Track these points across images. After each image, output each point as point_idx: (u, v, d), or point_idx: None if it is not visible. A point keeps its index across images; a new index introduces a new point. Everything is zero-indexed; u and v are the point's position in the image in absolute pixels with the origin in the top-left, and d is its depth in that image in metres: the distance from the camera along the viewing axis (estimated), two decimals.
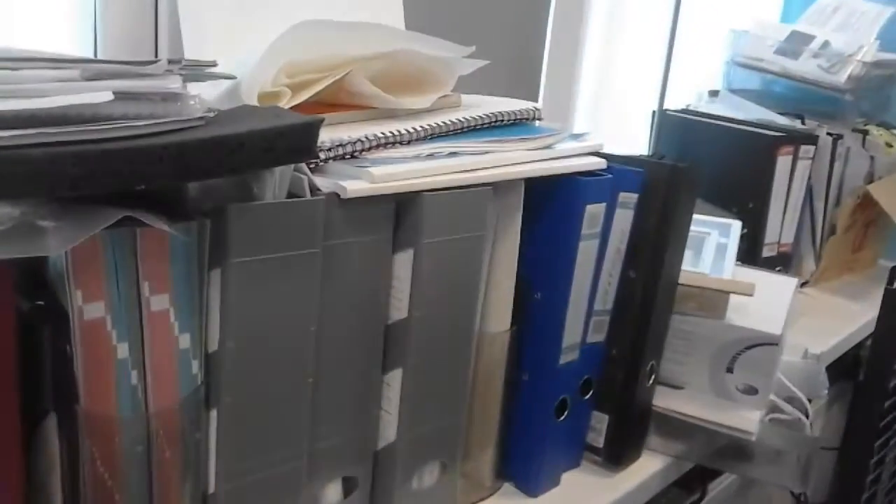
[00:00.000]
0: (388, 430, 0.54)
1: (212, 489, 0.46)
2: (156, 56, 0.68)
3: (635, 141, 1.30)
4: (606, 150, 0.64)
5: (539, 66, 1.04)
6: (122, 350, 0.41)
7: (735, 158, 1.14)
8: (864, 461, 0.59)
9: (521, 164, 0.57)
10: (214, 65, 0.51)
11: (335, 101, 0.58)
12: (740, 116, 1.23)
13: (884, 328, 0.57)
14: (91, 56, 0.65)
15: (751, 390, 0.73)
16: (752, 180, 1.12)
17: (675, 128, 1.23)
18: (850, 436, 0.60)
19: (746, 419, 0.71)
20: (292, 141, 0.40)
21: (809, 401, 0.81)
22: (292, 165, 0.44)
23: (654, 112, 1.25)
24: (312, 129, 0.40)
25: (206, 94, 0.55)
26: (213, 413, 0.45)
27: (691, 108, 1.31)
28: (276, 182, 0.44)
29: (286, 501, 0.49)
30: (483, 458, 0.63)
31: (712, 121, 1.20)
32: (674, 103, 1.29)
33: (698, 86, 1.40)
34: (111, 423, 0.42)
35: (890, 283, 0.57)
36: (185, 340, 0.43)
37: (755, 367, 0.72)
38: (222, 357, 0.44)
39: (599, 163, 0.61)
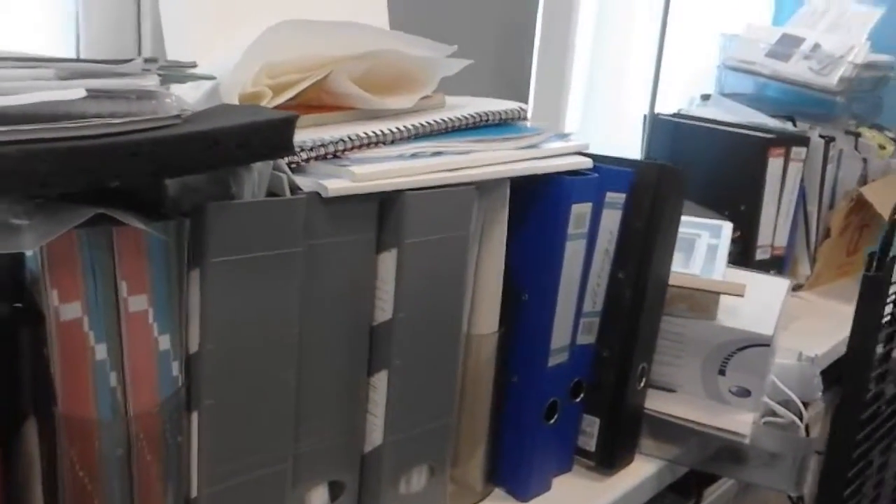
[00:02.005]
0: (375, 434, 0.54)
1: (194, 493, 0.46)
2: None
3: (628, 146, 1.30)
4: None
5: (528, 71, 1.04)
6: (101, 351, 0.41)
7: (726, 161, 1.13)
8: (848, 458, 0.58)
9: (505, 164, 0.56)
10: (194, 65, 0.50)
11: (319, 102, 0.58)
12: (732, 119, 1.23)
13: (863, 316, 0.57)
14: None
15: (744, 392, 0.73)
16: (744, 182, 1.12)
17: (666, 132, 1.23)
18: (836, 426, 0.60)
19: (739, 422, 0.70)
20: (268, 137, 0.39)
21: (805, 404, 0.81)
22: (271, 164, 0.44)
23: (645, 116, 1.25)
24: (288, 126, 0.40)
25: (187, 96, 0.55)
26: (195, 416, 0.45)
27: (683, 112, 1.31)
28: (255, 181, 0.43)
29: None
30: (473, 463, 0.62)
31: (703, 124, 1.19)
32: (667, 108, 1.29)
33: (691, 90, 1.40)
34: (90, 425, 0.41)
35: (868, 268, 0.56)
36: (164, 342, 0.43)
37: (747, 368, 0.72)
38: (202, 359, 0.43)
39: (585, 162, 0.61)
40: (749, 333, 0.71)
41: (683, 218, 0.89)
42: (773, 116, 1.28)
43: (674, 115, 1.26)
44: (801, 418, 0.78)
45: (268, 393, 0.46)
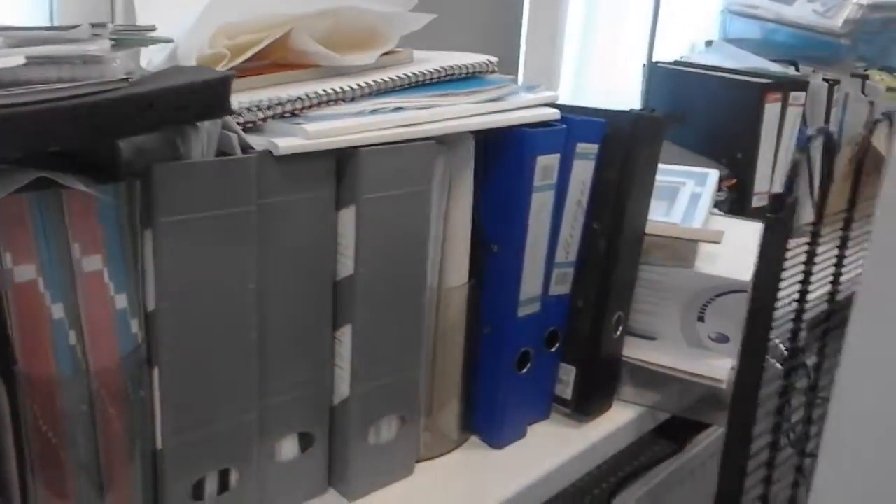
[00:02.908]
0: (342, 386, 0.55)
1: (159, 445, 0.47)
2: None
3: (627, 96, 1.29)
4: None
5: (519, 21, 1.03)
6: (58, 311, 0.42)
7: (724, 108, 1.13)
8: (751, 404, 0.59)
9: (468, 118, 0.57)
10: (153, 29, 0.51)
11: (282, 61, 0.58)
12: (733, 66, 1.21)
13: (764, 259, 0.57)
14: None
15: (723, 338, 0.73)
16: (740, 129, 1.11)
17: (666, 80, 1.22)
18: (739, 373, 0.60)
19: (717, 367, 0.71)
20: (204, 97, 0.40)
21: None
22: (219, 124, 0.45)
23: (644, 65, 1.24)
24: (224, 85, 0.40)
25: (153, 59, 0.56)
26: (156, 371, 0.46)
27: (684, 59, 1.29)
28: (203, 141, 0.44)
29: (237, 456, 0.50)
30: (447, 412, 0.63)
31: (702, 71, 1.18)
32: (671, 56, 1.28)
33: (696, 37, 1.38)
34: (51, 383, 0.43)
35: (771, 210, 0.56)
36: (121, 300, 0.44)
37: (726, 315, 0.72)
38: (159, 316, 0.45)
39: (552, 113, 0.61)
40: (726, 280, 0.71)
41: (669, 166, 0.89)
42: (777, 61, 1.26)
43: (673, 63, 1.25)
44: (782, 364, 0.78)
45: (228, 348, 0.48)
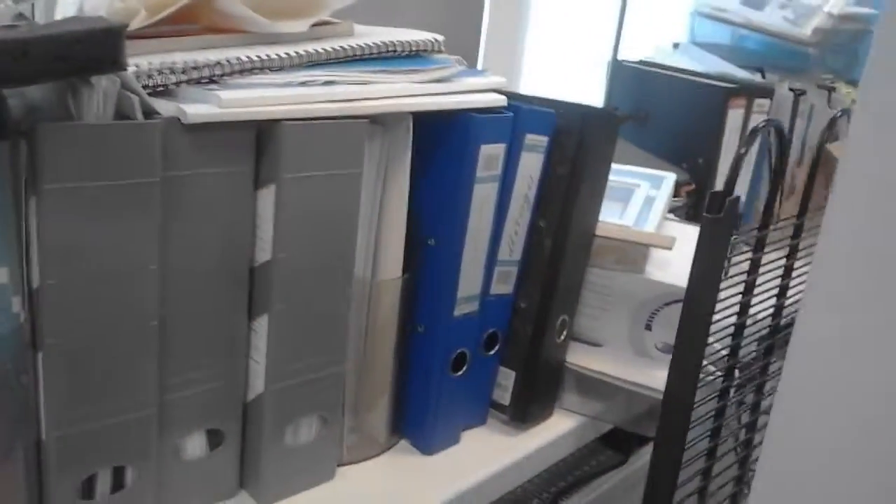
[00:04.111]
0: (257, 381, 0.51)
1: (43, 436, 0.43)
2: None
3: (591, 94, 1.26)
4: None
5: (479, 16, 0.99)
6: None
7: (687, 112, 1.10)
8: (684, 420, 0.56)
9: (407, 97, 0.53)
10: None
11: (212, 24, 0.54)
12: (699, 69, 1.19)
13: (702, 264, 0.54)
14: None
15: (670, 349, 0.70)
16: (702, 134, 1.08)
17: (630, 79, 1.19)
18: (671, 380, 0.57)
19: (661, 379, 0.68)
20: (89, 49, 0.35)
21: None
22: (117, 83, 0.40)
23: (608, 63, 1.21)
24: (112, 36, 0.36)
25: (67, 11, 0.51)
26: (40, 355, 0.42)
27: (649, 60, 1.26)
28: (98, 101, 0.39)
29: (132, 453, 0.46)
30: (375, 413, 0.59)
31: (666, 72, 1.15)
32: (636, 55, 1.25)
33: (665, 38, 1.36)
34: None
35: (709, 210, 0.53)
36: (1, 275, 0.39)
37: (674, 324, 0.69)
38: (44, 294, 0.40)
39: (498, 99, 0.57)
40: (675, 288, 0.68)
41: (625, 167, 0.85)
42: (745, 67, 1.23)
43: (638, 63, 1.22)
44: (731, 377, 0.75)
45: (124, 335, 0.43)
